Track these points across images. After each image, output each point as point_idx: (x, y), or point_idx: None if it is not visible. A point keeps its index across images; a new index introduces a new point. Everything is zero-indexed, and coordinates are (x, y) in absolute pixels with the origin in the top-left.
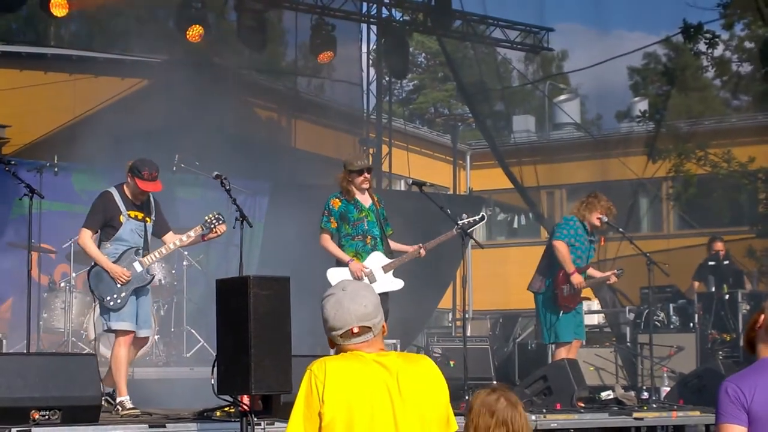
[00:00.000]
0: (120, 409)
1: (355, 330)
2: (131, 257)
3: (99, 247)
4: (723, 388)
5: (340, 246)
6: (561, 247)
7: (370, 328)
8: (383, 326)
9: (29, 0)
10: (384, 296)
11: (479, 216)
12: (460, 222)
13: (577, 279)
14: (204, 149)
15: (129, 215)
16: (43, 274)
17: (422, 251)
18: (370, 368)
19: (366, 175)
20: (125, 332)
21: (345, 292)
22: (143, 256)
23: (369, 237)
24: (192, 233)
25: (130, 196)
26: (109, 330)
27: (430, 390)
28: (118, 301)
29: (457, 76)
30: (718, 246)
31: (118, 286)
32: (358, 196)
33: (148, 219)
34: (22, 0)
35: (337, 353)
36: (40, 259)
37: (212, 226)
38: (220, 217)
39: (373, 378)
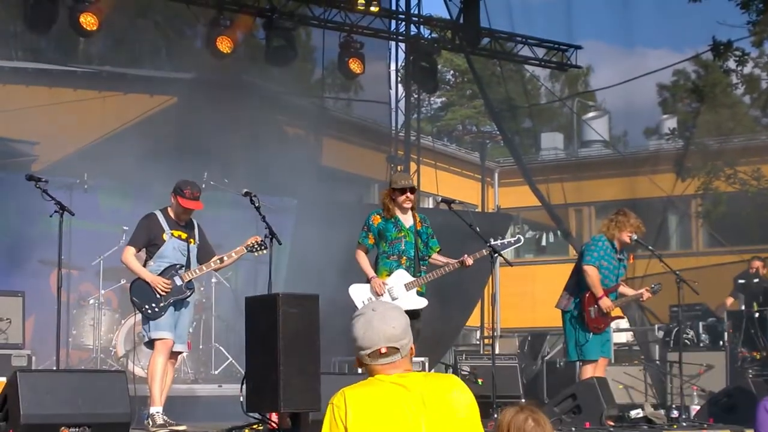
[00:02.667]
0: (150, 423)
1: (383, 350)
2: (172, 272)
3: (144, 265)
4: (762, 405)
5: (376, 262)
6: (591, 271)
7: (397, 349)
8: (411, 348)
9: (59, 18)
10: (415, 316)
11: (515, 239)
12: (496, 242)
13: (605, 303)
14: (232, 167)
15: (172, 234)
16: (64, 291)
17: (469, 260)
18: (391, 390)
19: (408, 195)
20: (164, 341)
21: (375, 312)
22: (184, 272)
23: (404, 258)
24: (234, 254)
25: (173, 217)
26: (149, 341)
27: (457, 407)
28: (156, 309)
29: (485, 94)
30: (755, 264)
31: (158, 296)
32: (400, 215)
33: (191, 240)
34: (52, 20)
35: (365, 373)
36: (63, 277)
37: (254, 250)
38: (264, 242)
39: (395, 400)
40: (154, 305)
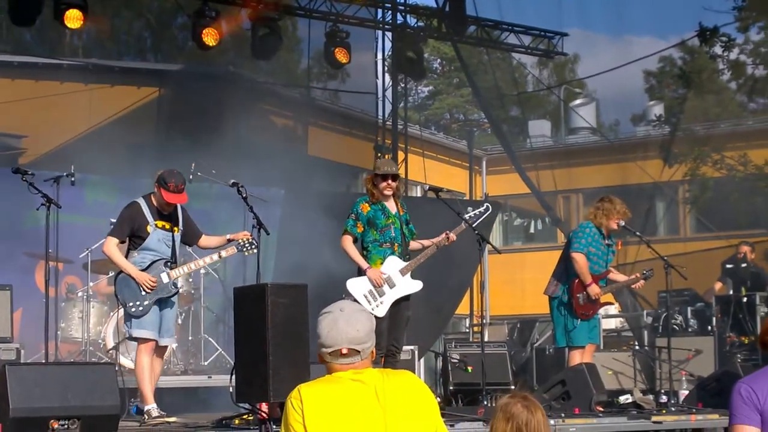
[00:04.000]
0: (147, 417)
1: (344, 351)
2: (159, 268)
3: (127, 256)
4: (736, 389)
5: (366, 251)
6: (579, 258)
7: (358, 351)
8: (372, 352)
9: (44, 11)
10: (405, 303)
11: (483, 207)
12: (465, 216)
13: (594, 290)
14: (219, 158)
15: (156, 225)
16: (51, 284)
17: (452, 236)
18: (348, 386)
19: (390, 181)
20: (146, 340)
21: (342, 312)
22: (172, 268)
23: (396, 244)
24: (224, 253)
25: (157, 206)
26: (131, 337)
27: (413, 401)
28: (141, 308)
29: (472, 82)
30: (743, 249)
31: (143, 293)
32: (385, 202)
33: (175, 229)
34: (36, 12)
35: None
36: (48, 270)
37: (244, 249)
38: (254, 242)
39: (352, 396)
40: (138, 303)
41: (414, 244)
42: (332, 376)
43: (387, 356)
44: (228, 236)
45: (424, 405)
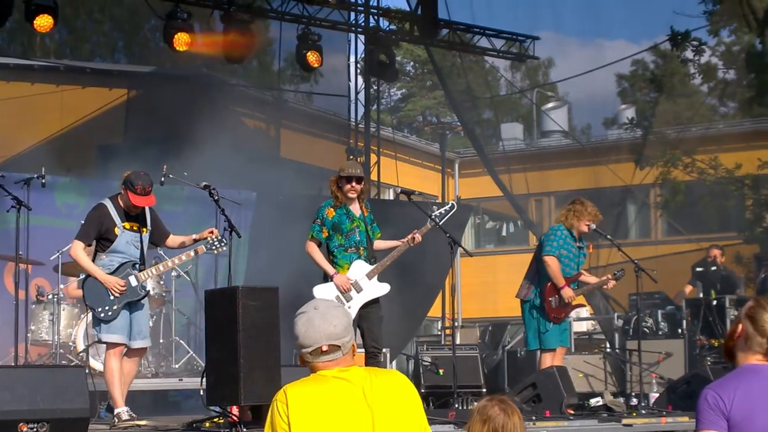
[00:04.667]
0: (117, 420)
1: (324, 348)
2: (128, 270)
3: (95, 258)
4: (703, 395)
5: (332, 256)
6: (552, 262)
7: (339, 346)
8: (353, 346)
9: (14, 12)
10: (376, 305)
11: (449, 205)
12: (432, 214)
13: (567, 293)
14: (191, 160)
15: (124, 227)
16: (20, 288)
17: (418, 236)
18: (333, 385)
19: (354, 184)
20: (115, 344)
21: (317, 311)
22: (140, 271)
23: (361, 248)
24: (192, 253)
25: (124, 207)
26: (100, 342)
27: (400, 401)
28: (110, 313)
29: (445, 85)
30: (714, 252)
31: (111, 298)
32: (350, 205)
33: (143, 230)
34: (6, 14)
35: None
36: (17, 273)
37: (213, 248)
38: (223, 239)
39: (338, 394)
40: (107, 308)
41: (379, 244)
42: (317, 376)
43: (368, 357)
44: (194, 236)
45: (411, 405)
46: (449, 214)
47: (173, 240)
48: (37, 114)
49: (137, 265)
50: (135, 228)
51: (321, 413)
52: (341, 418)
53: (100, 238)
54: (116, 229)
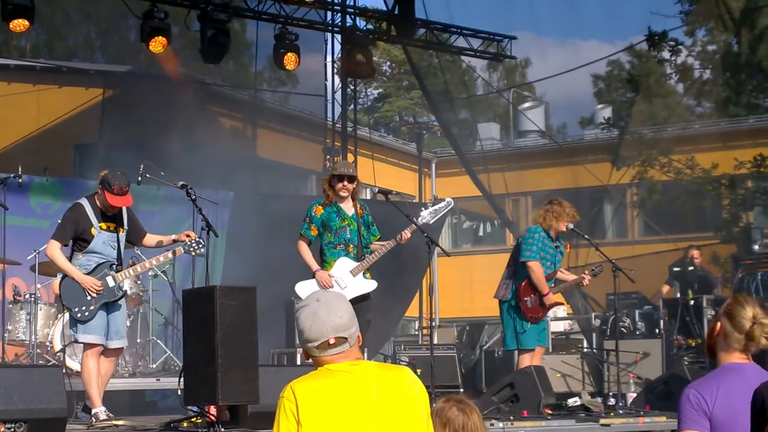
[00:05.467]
0: (94, 420)
1: (332, 341)
2: (105, 271)
3: (71, 258)
4: (685, 394)
5: (322, 254)
6: (535, 267)
7: (346, 338)
8: (359, 336)
9: None
10: (365, 304)
11: (445, 202)
12: (425, 211)
13: (550, 299)
14: (168, 159)
15: (101, 227)
16: None
17: (407, 233)
18: (341, 379)
19: (346, 183)
20: (92, 345)
21: (320, 303)
22: (117, 271)
23: (351, 246)
24: (170, 255)
25: (101, 207)
26: (77, 342)
27: (406, 397)
28: (86, 313)
29: (423, 85)
30: (693, 253)
31: (88, 298)
32: (341, 203)
33: (120, 229)
34: None
35: (304, 365)
36: None
37: (191, 250)
38: (200, 241)
39: (347, 389)
40: (84, 308)
41: (375, 247)
42: (325, 370)
43: (360, 345)
44: (173, 237)
45: (419, 402)
46: (444, 211)
47: (150, 239)
48: (13, 113)
49: (114, 266)
50: (112, 228)
51: (331, 409)
52: (351, 414)
53: (77, 238)
54: (93, 230)
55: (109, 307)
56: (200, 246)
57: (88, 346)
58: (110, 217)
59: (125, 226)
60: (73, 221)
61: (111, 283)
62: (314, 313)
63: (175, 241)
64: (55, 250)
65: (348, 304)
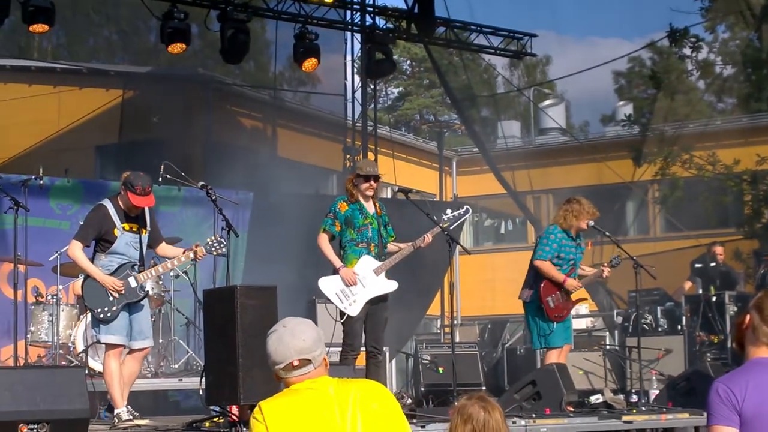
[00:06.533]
0: (117, 421)
1: (295, 363)
2: (127, 271)
3: (93, 259)
4: (714, 389)
5: (343, 250)
6: (542, 266)
7: (309, 360)
8: (324, 359)
9: (11, 13)
10: (383, 304)
11: (463, 209)
12: (444, 217)
13: (571, 284)
14: (188, 160)
15: (124, 228)
16: (20, 287)
17: (428, 238)
18: (305, 396)
19: (372, 183)
20: (114, 345)
21: (285, 328)
22: (139, 272)
23: (372, 244)
24: (191, 255)
25: (124, 208)
26: (99, 342)
27: (372, 405)
28: (109, 314)
29: (445, 82)
30: (717, 250)
31: (110, 298)
32: (364, 202)
33: (143, 231)
34: (3, 15)
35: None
36: (16, 274)
37: (212, 250)
38: (222, 241)
39: (311, 404)
40: (106, 309)
41: (391, 247)
42: (289, 390)
43: (369, 357)
44: (184, 250)
45: (384, 408)
46: (463, 218)
47: (164, 249)
48: (34, 115)
49: (136, 266)
50: (135, 229)
51: (297, 424)
52: (316, 427)
53: (100, 239)
54: (116, 231)
55: (132, 307)
56: (221, 246)
57: (110, 346)
58: (133, 218)
59: (148, 228)
60: (95, 222)
61: (133, 283)
62: (279, 337)
63: (185, 253)
64: (77, 251)
65: (314, 330)
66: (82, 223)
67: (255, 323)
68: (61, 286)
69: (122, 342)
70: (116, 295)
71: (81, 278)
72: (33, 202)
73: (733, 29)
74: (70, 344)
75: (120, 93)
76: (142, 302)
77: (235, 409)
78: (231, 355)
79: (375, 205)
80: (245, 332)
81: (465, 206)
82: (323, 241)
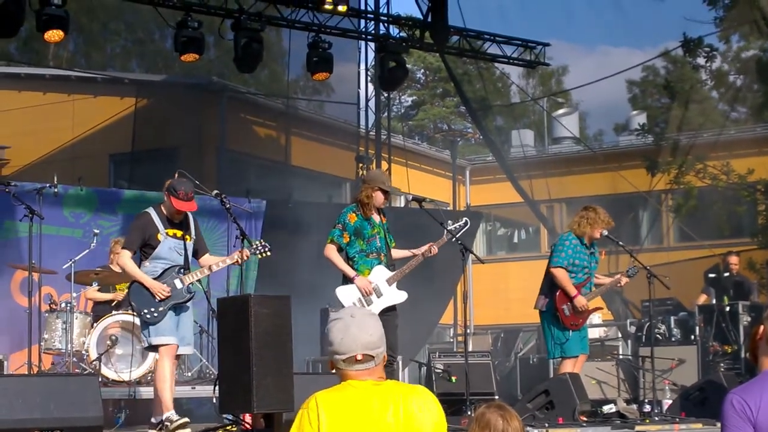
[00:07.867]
0: (169, 424)
1: (359, 357)
2: (172, 274)
3: (139, 266)
4: (728, 400)
5: (352, 261)
6: (559, 273)
7: (373, 356)
8: (384, 356)
9: (26, 22)
10: (393, 313)
11: (463, 221)
12: (449, 227)
13: (580, 302)
14: (202, 168)
15: (167, 234)
16: (34, 295)
17: (435, 248)
18: (364, 396)
19: (387, 197)
20: (167, 345)
21: (353, 318)
22: (184, 275)
23: (382, 254)
24: (236, 256)
25: (167, 215)
26: (150, 347)
27: (428, 417)
28: (156, 314)
29: (462, 92)
30: (732, 260)
31: (157, 300)
32: (372, 213)
33: (187, 237)
34: (18, 23)
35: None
36: (31, 281)
37: (258, 252)
38: (267, 245)
39: (368, 406)
40: (152, 309)
41: (396, 253)
42: (348, 385)
43: (384, 365)
44: (227, 260)
45: (437, 422)
46: (463, 230)
47: (207, 259)
48: (48, 123)
49: (182, 269)
50: (178, 235)
51: (352, 423)
52: (369, 427)
53: (144, 245)
54: (159, 236)
55: (178, 308)
56: (266, 249)
57: (163, 348)
58: (177, 224)
59: (192, 236)
60: (139, 228)
61: (179, 285)
62: (346, 327)
63: (227, 261)
64: (126, 260)
65: (379, 324)
66: (100, 232)
67: (268, 332)
68: (74, 294)
69: (173, 341)
70: (162, 298)
71: (94, 285)
72: (47, 210)
73: (748, 39)
74: (83, 352)
75: (134, 101)
76: (187, 304)
77: (248, 418)
78: (244, 363)
79: (380, 215)
80: (259, 341)
81: (464, 218)
82: (332, 251)
